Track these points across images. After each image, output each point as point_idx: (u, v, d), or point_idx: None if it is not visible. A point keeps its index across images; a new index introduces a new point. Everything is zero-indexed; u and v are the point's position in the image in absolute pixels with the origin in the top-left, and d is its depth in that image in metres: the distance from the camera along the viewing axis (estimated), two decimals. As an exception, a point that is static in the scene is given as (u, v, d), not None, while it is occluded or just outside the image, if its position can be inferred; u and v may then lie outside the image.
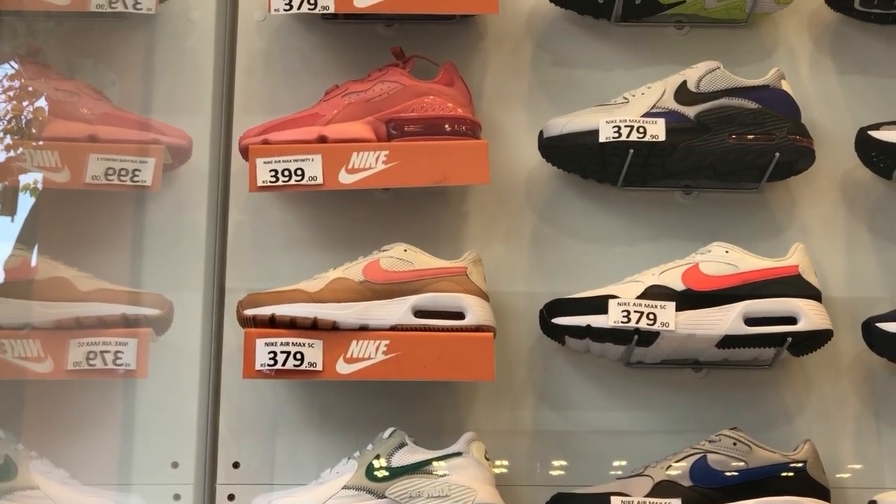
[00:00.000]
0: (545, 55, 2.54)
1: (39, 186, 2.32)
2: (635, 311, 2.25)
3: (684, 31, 2.54)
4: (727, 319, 2.26)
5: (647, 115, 2.35)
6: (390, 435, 2.23)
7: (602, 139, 2.33)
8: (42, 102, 2.35)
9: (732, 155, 2.34)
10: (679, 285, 2.28)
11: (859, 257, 2.44)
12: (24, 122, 2.35)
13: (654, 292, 2.27)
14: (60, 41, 2.52)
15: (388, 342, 2.21)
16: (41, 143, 2.29)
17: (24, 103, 2.36)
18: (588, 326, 2.25)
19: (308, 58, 2.52)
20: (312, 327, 2.21)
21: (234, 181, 2.45)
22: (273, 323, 2.22)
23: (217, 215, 2.44)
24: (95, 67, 2.51)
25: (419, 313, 2.25)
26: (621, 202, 2.45)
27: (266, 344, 2.20)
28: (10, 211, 2.37)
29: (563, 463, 2.37)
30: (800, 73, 2.52)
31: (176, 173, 2.43)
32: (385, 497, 2.18)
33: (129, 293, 2.28)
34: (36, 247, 2.34)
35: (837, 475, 2.34)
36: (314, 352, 2.20)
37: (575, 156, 2.38)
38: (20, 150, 2.30)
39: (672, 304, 2.26)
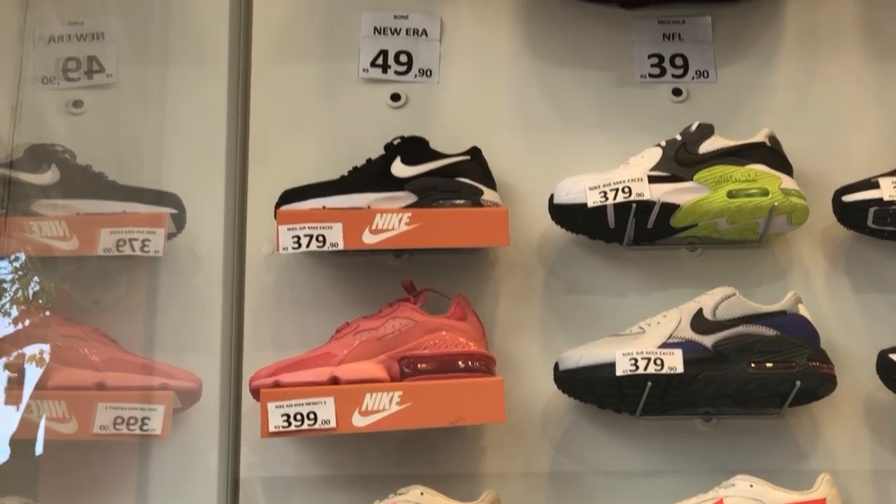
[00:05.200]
0: (557, 282, 2.51)
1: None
2: (660, 553, 2.19)
3: (697, 253, 2.52)
4: (756, 559, 2.20)
5: (663, 345, 2.32)
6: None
7: (619, 372, 2.29)
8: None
9: (752, 384, 2.30)
10: (705, 523, 2.23)
11: (887, 485, 2.38)
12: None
13: (680, 532, 2.22)
14: (66, 282, 2.50)
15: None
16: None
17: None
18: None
19: (318, 291, 2.49)
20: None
21: (245, 421, 2.40)
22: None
23: (229, 459, 2.39)
24: (101, 260, 2.49)
25: (438, 559, 2.20)
26: (640, 433, 2.40)
27: None
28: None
29: None
30: (816, 293, 2.49)
31: (185, 415, 2.38)
32: None
33: (138, 547, 2.23)
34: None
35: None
36: None
37: (592, 388, 2.34)
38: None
39: (699, 545, 2.20)
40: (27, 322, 2.42)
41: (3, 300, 2.43)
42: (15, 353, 2.34)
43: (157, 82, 2.66)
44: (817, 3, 2.70)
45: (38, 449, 2.29)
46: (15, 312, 2.43)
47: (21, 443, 2.28)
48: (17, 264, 2.43)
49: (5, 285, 2.43)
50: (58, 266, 2.47)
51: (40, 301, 2.46)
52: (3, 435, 2.30)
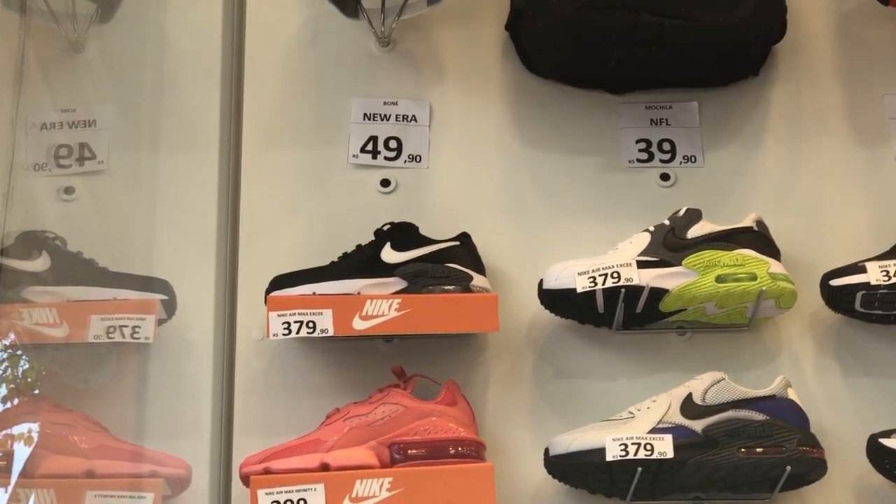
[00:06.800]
0: (547, 367, 2.51)
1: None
2: None
3: (686, 338, 2.53)
4: None
5: (653, 430, 2.32)
6: None
7: (609, 458, 2.28)
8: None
9: (743, 469, 2.30)
10: None
11: (878, 571, 2.38)
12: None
13: None
14: (55, 362, 2.50)
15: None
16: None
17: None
18: None
19: (307, 377, 2.49)
20: None
21: (234, 507, 2.40)
22: None
23: (218, 546, 2.38)
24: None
25: None
26: (631, 518, 2.40)
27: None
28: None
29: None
30: (805, 377, 2.49)
31: (174, 501, 2.36)
32: None
33: None
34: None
35: None
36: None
37: (582, 473, 2.33)
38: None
39: None
40: (16, 401, 2.41)
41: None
42: (3, 433, 2.33)
43: (148, 169, 2.67)
44: (803, 88, 2.73)
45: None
46: (3, 391, 2.43)
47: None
48: (6, 342, 2.43)
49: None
50: (47, 347, 2.47)
51: (29, 379, 2.45)
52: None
